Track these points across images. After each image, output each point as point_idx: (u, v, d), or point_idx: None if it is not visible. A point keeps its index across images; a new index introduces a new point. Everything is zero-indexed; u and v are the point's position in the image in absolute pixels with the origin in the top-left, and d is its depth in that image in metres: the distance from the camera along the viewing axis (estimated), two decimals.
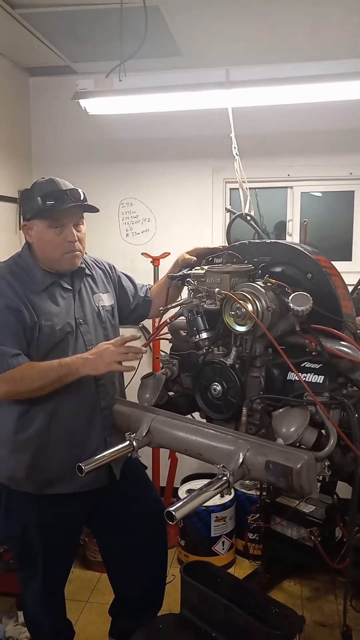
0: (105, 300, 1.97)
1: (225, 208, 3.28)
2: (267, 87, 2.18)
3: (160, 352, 1.92)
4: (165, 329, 1.89)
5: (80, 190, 1.81)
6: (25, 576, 1.96)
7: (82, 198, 1.80)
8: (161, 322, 1.89)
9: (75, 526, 1.99)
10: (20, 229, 3.24)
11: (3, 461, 1.81)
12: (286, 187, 3.34)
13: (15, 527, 1.87)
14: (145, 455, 2.05)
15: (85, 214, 1.87)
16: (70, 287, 1.87)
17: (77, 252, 1.82)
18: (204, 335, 1.61)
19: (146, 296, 2.12)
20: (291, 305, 1.43)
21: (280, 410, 1.42)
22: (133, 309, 2.10)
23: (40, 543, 1.86)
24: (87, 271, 1.95)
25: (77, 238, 1.80)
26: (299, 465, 1.25)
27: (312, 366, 1.45)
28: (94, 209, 1.85)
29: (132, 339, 1.76)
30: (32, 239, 1.81)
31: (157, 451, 3.23)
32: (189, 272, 1.72)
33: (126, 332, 1.99)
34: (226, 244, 1.94)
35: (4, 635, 2.39)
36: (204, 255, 1.84)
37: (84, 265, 1.94)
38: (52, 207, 1.74)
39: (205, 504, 1.36)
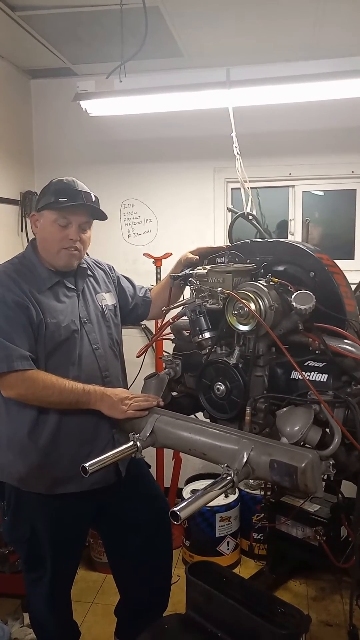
0: (108, 299, 1.99)
1: (227, 208, 3.28)
2: (268, 87, 2.18)
3: (163, 353, 1.91)
4: (168, 329, 1.90)
5: (93, 195, 1.84)
6: (33, 578, 1.96)
7: (93, 201, 1.84)
8: (164, 323, 1.90)
9: (83, 526, 2.00)
10: (22, 231, 3.27)
11: (12, 463, 1.81)
12: (288, 186, 3.34)
13: (24, 528, 1.87)
14: (149, 456, 2.05)
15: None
16: (74, 287, 1.89)
17: (74, 252, 1.83)
18: (207, 335, 1.61)
19: (145, 297, 2.13)
20: (294, 303, 1.43)
21: (284, 409, 1.42)
22: (132, 309, 2.12)
23: (49, 543, 1.86)
24: (89, 272, 1.97)
25: (79, 238, 1.83)
26: (303, 464, 1.24)
27: (315, 365, 1.44)
28: (102, 215, 1.87)
29: (155, 400, 1.72)
30: (37, 230, 1.85)
31: (161, 451, 3.23)
32: (191, 272, 1.72)
33: (129, 332, 1.99)
34: (228, 244, 1.94)
35: (10, 637, 2.39)
36: (206, 255, 1.85)
37: (85, 266, 1.96)
38: (63, 202, 1.78)
39: (209, 504, 1.35)
